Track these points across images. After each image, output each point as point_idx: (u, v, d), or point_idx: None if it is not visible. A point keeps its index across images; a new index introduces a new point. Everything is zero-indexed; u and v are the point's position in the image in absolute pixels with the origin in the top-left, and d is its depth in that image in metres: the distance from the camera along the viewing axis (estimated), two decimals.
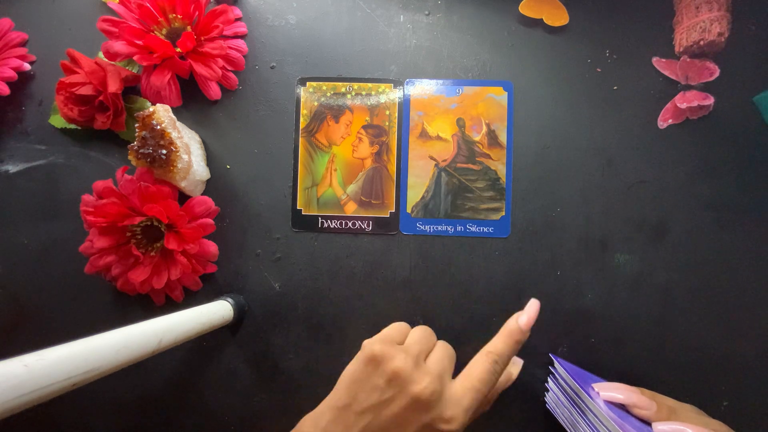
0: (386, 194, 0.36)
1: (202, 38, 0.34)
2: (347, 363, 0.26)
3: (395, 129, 0.36)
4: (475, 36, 0.37)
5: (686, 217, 0.35)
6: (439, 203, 0.36)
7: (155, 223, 0.33)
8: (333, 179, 0.36)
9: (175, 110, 0.34)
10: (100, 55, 0.35)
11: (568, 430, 0.29)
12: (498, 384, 0.30)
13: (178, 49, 0.33)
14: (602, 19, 0.36)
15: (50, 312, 0.36)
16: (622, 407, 0.27)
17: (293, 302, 0.36)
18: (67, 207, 0.36)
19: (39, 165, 0.37)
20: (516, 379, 0.33)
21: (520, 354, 0.34)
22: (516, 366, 0.34)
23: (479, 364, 0.26)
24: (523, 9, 0.36)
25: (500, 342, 0.27)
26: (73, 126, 0.36)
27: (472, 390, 0.25)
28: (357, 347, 0.26)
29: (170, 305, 0.36)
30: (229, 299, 0.34)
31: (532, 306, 0.28)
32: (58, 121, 0.36)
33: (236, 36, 0.36)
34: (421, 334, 0.29)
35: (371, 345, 0.26)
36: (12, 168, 0.37)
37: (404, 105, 0.37)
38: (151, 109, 0.32)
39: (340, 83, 0.37)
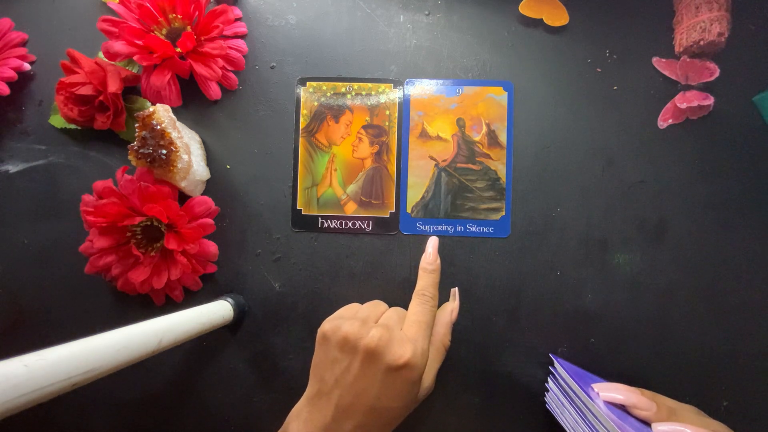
0: (386, 194, 0.36)
1: (202, 38, 0.34)
2: None
3: (395, 129, 0.36)
4: (475, 36, 0.37)
5: (686, 217, 0.35)
6: (439, 203, 0.36)
7: (155, 223, 0.33)
8: (333, 179, 0.36)
9: (175, 110, 0.34)
10: (100, 55, 0.35)
11: (567, 430, 0.29)
12: (443, 317, 0.33)
13: (178, 49, 0.33)
14: (602, 19, 0.36)
15: (50, 312, 0.36)
16: (621, 408, 0.27)
17: (293, 302, 0.36)
18: (67, 207, 0.36)
19: (39, 165, 0.37)
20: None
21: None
22: (453, 297, 0.34)
23: (411, 305, 0.30)
24: (523, 9, 0.36)
25: (419, 281, 0.32)
26: (73, 126, 0.36)
27: (414, 323, 0.28)
28: None
29: (170, 305, 0.36)
30: (229, 299, 0.34)
31: (429, 242, 0.34)
32: (58, 121, 0.36)
33: (236, 36, 0.36)
34: (368, 304, 0.31)
35: (321, 327, 0.27)
36: (12, 168, 0.37)
37: (404, 105, 0.36)
38: (151, 109, 0.32)
39: (340, 83, 0.37)
